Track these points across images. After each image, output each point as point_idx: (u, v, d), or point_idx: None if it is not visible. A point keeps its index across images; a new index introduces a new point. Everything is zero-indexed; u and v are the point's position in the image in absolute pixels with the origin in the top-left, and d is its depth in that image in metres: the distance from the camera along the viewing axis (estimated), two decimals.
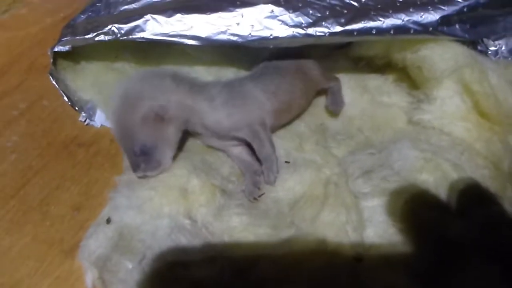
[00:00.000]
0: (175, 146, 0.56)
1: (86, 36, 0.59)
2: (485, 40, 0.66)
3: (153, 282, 0.47)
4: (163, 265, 0.48)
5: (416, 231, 0.50)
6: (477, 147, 0.57)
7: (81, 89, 0.68)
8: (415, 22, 0.57)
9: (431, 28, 0.58)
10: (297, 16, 0.56)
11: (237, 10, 0.57)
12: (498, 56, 0.67)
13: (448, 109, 0.59)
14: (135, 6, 0.62)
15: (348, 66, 0.72)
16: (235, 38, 0.57)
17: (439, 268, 0.47)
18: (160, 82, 0.55)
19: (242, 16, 0.56)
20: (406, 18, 0.57)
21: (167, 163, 0.55)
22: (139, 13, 0.58)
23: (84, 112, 0.67)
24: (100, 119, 0.68)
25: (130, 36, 0.57)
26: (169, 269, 0.48)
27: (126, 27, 0.57)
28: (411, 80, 0.66)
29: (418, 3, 0.58)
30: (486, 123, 0.58)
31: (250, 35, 0.57)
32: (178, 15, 0.57)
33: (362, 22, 0.56)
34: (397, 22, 0.57)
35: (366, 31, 0.56)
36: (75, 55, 0.66)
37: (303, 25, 0.56)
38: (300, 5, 0.57)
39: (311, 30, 0.56)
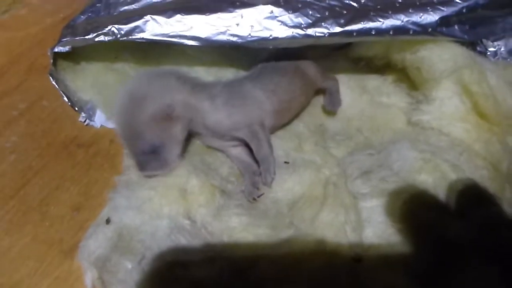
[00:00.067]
0: (182, 145, 0.56)
1: (86, 37, 0.59)
2: (484, 41, 0.66)
3: (153, 282, 0.47)
4: (162, 265, 0.48)
5: (415, 231, 0.50)
6: (476, 148, 0.57)
7: (81, 89, 0.68)
8: (414, 23, 0.57)
9: (430, 29, 0.58)
10: (296, 17, 0.56)
11: (237, 10, 0.57)
12: (497, 57, 0.67)
13: (447, 110, 0.59)
14: (135, 7, 0.62)
15: (347, 67, 0.72)
16: (234, 39, 0.57)
17: (438, 269, 0.47)
18: (165, 81, 0.55)
19: (242, 17, 0.56)
20: (406, 19, 0.57)
21: (174, 161, 0.55)
22: (139, 14, 0.58)
23: (84, 113, 0.67)
24: (99, 119, 0.68)
25: (130, 37, 0.57)
26: (169, 269, 0.48)
27: (126, 27, 0.57)
28: (410, 80, 0.66)
29: (418, 4, 0.58)
30: (485, 124, 0.58)
31: (249, 36, 0.57)
32: (178, 16, 0.57)
33: (362, 22, 0.56)
34: (397, 22, 0.57)
35: (366, 32, 0.56)
36: (75, 55, 0.66)
37: (302, 25, 0.56)
38: (300, 5, 0.57)
39: (310, 31, 0.56)
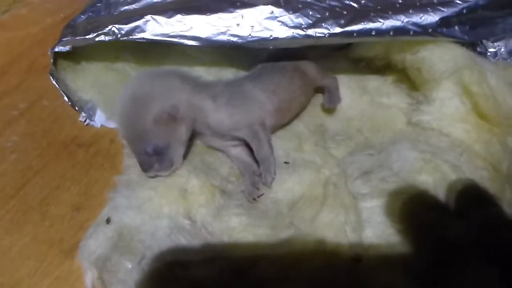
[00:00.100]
0: (185, 145, 0.56)
1: (87, 37, 0.59)
2: (484, 41, 0.66)
3: (153, 282, 0.47)
4: (162, 265, 0.48)
5: (415, 232, 0.50)
6: (476, 148, 0.57)
7: (81, 89, 0.68)
8: (414, 24, 0.57)
9: (430, 30, 0.58)
10: (297, 17, 0.56)
11: (237, 11, 0.57)
12: (497, 57, 0.67)
13: (447, 111, 0.59)
14: (135, 7, 0.62)
15: (347, 67, 0.72)
16: (235, 39, 0.57)
17: (438, 269, 0.47)
18: (168, 81, 0.55)
19: (242, 17, 0.56)
20: (406, 20, 0.57)
21: (179, 162, 0.56)
22: (139, 14, 0.58)
23: (84, 112, 0.67)
24: (100, 119, 0.68)
25: (130, 37, 0.57)
26: (169, 269, 0.48)
27: (126, 27, 0.57)
28: (411, 81, 0.66)
29: (418, 4, 0.58)
30: (485, 124, 0.58)
31: (250, 36, 0.57)
32: (178, 16, 0.57)
33: (362, 23, 0.56)
34: (397, 23, 0.57)
35: (366, 32, 0.56)
36: (75, 55, 0.66)
37: (302, 26, 0.56)
38: (300, 6, 0.57)
39: (310, 31, 0.56)
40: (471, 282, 0.45)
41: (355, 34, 0.56)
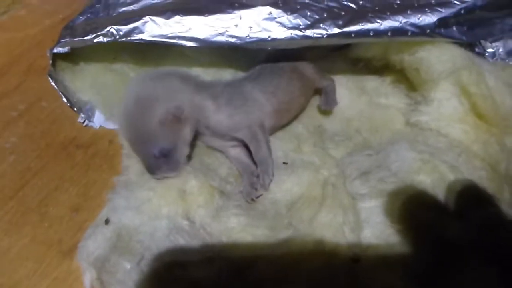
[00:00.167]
0: (189, 145, 0.56)
1: (85, 38, 0.59)
2: (482, 42, 0.66)
3: (152, 282, 0.47)
4: (161, 265, 0.48)
5: (413, 232, 0.50)
6: (475, 149, 0.57)
7: (80, 90, 0.68)
8: (412, 24, 0.57)
9: (428, 30, 0.58)
10: (295, 18, 0.56)
11: (235, 12, 0.57)
12: (495, 58, 0.67)
13: (446, 111, 0.59)
14: (133, 8, 0.62)
15: (346, 68, 0.72)
16: (233, 40, 0.57)
17: (437, 269, 0.47)
18: (169, 83, 0.55)
19: (240, 18, 0.57)
20: (404, 20, 0.57)
21: (184, 162, 0.56)
22: (137, 15, 0.58)
23: (83, 113, 0.67)
24: (98, 120, 0.68)
25: (129, 38, 0.58)
26: (168, 269, 0.48)
27: (124, 28, 0.58)
28: (409, 81, 0.66)
29: (416, 5, 0.58)
30: (484, 125, 0.58)
31: (248, 37, 0.57)
32: (177, 17, 0.57)
33: (360, 24, 0.56)
34: (395, 24, 0.57)
35: (364, 33, 0.56)
36: (74, 56, 0.66)
37: (301, 27, 0.56)
38: (298, 7, 0.57)
39: (309, 32, 0.56)
40: (470, 282, 0.45)
41: (353, 35, 0.56)
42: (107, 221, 0.53)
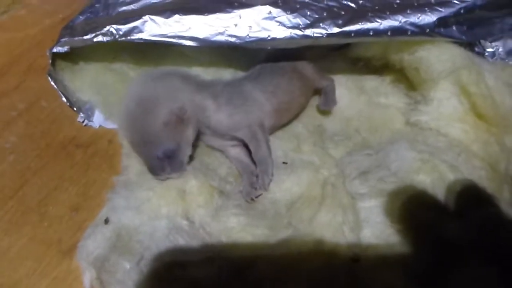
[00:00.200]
0: (191, 146, 0.56)
1: (85, 37, 0.59)
2: (482, 41, 0.66)
3: (151, 282, 0.47)
4: (161, 265, 0.48)
5: (413, 232, 0.50)
6: (474, 148, 0.57)
7: (79, 89, 0.68)
8: (412, 24, 0.57)
9: (428, 30, 0.58)
10: (294, 18, 0.56)
11: (235, 11, 0.57)
12: (495, 57, 0.67)
13: (445, 111, 0.59)
14: (133, 7, 0.62)
15: (345, 67, 0.72)
16: (233, 39, 0.57)
17: (437, 269, 0.47)
18: (171, 83, 0.55)
19: (240, 17, 0.57)
20: (403, 20, 0.57)
21: (187, 162, 0.56)
22: (137, 14, 0.58)
23: (83, 113, 0.67)
24: (98, 119, 0.68)
25: (129, 37, 0.57)
26: (167, 269, 0.48)
27: (124, 28, 0.57)
28: (409, 81, 0.66)
29: (415, 4, 0.58)
30: (483, 124, 0.58)
31: (248, 36, 0.57)
32: (176, 16, 0.57)
33: (360, 23, 0.56)
34: (394, 23, 0.57)
35: (364, 33, 0.56)
36: (73, 55, 0.66)
37: (300, 26, 0.56)
38: (298, 6, 0.57)
39: (308, 31, 0.56)
40: (470, 282, 0.45)
41: (353, 34, 0.56)
42: (106, 221, 0.53)
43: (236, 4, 0.57)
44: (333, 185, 0.55)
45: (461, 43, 0.62)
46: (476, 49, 0.66)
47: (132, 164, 0.59)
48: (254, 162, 0.59)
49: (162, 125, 0.52)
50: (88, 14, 0.64)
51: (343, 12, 0.57)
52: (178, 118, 0.53)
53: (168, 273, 0.48)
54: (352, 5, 0.58)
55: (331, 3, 0.58)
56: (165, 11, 0.57)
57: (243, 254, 0.50)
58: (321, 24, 0.56)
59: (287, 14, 0.56)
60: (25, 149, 0.64)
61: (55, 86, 0.65)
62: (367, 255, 0.49)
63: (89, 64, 0.69)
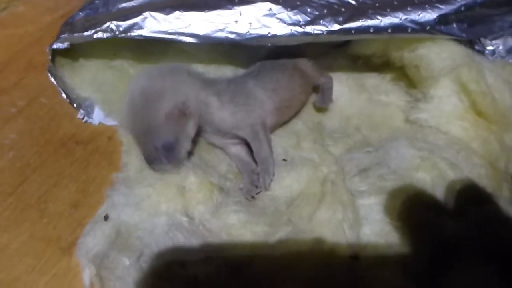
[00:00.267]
0: (191, 141, 0.56)
1: (85, 34, 0.59)
2: (482, 39, 0.66)
3: (151, 280, 0.47)
4: (160, 262, 0.48)
5: (412, 229, 0.50)
6: (474, 146, 0.57)
7: (79, 86, 0.68)
8: (412, 21, 0.57)
9: (428, 27, 0.57)
10: (295, 14, 0.56)
11: (235, 8, 0.57)
12: (495, 55, 0.67)
13: (445, 108, 0.59)
14: (133, 4, 0.62)
15: (346, 65, 0.72)
16: (233, 36, 0.57)
17: (436, 268, 0.47)
18: (178, 77, 0.55)
19: (240, 14, 0.56)
20: (404, 17, 0.57)
21: (184, 158, 0.56)
22: (137, 11, 0.58)
23: (82, 110, 0.67)
24: (98, 116, 0.68)
25: (129, 34, 0.57)
26: (166, 266, 0.48)
27: (124, 24, 0.57)
28: (409, 79, 0.66)
29: (416, 2, 0.58)
30: (483, 122, 0.58)
31: (248, 33, 0.57)
32: (177, 13, 0.57)
33: (360, 20, 0.56)
34: (395, 20, 0.57)
35: (364, 30, 0.56)
36: (73, 52, 0.66)
37: (301, 23, 0.56)
38: (298, 3, 0.57)
39: (309, 28, 0.56)
40: (470, 280, 0.45)
41: (353, 31, 0.56)
42: (106, 218, 0.53)
43: (236, 0, 0.57)
44: (333, 183, 0.55)
45: (461, 41, 0.61)
46: (476, 47, 0.66)
47: (132, 161, 0.59)
48: (254, 160, 0.59)
49: (164, 117, 0.52)
50: (88, 11, 0.64)
51: (343, 9, 0.57)
52: (180, 112, 0.53)
53: (167, 269, 0.48)
54: (353, 2, 0.58)
55: (331, 0, 0.57)
56: (165, 7, 0.57)
57: (242, 253, 0.50)
58: (321, 21, 0.56)
59: (287, 11, 0.56)
60: (24, 145, 0.64)
61: (55, 82, 0.65)
62: (366, 253, 0.49)
63: (89, 61, 0.69)
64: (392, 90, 0.69)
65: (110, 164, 0.62)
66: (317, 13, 0.56)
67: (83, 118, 0.67)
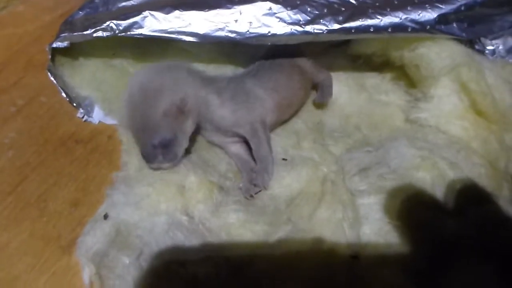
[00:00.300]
0: (189, 138, 0.56)
1: (84, 32, 0.59)
2: (482, 39, 0.66)
3: (150, 278, 0.47)
4: (160, 261, 0.48)
5: (412, 229, 0.50)
6: (474, 145, 0.57)
7: (79, 85, 0.68)
8: (412, 20, 0.57)
9: (428, 27, 0.58)
10: (295, 14, 0.56)
11: (235, 7, 0.57)
12: (495, 55, 0.67)
13: (445, 108, 0.59)
14: (133, 3, 0.62)
15: (346, 64, 0.72)
16: (233, 35, 0.57)
17: (435, 267, 0.47)
18: (177, 74, 0.55)
19: (240, 13, 0.57)
20: (404, 16, 0.57)
21: (182, 155, 0.56)
22: (137, 10, 0.58)
23: (82, 109, 0.67)
24: (98, 115, 0.68)
25: (128, 33, 0.57)
26: (166, 265, 0.48)
27: (124, 23, 0.57)
28: (409, 78, 0.66)
29: (416, 1, 0.58)
30: (483, 122, 0.58)
31: (248, 32, 0.57)
32: (177, 12, 0.57)
33: (360, 20, 0.56)
34: (395, 20, 0.57)
35: (364, 29, 0.56)
36: (73, 51, 0.66)
37: (301, 22, 0.56)
38: (298, 2, 0.57)
39: (309, 28, 0.56)
40: (469, 280, 0.45)
41: (353, 31, 0.56)
42: (106, 217, 0.53)
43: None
44: (333, 182, 0.55)
45: (461, 40, 0.62)
46: (477, 46, 0.67)
47: (132, 160, 0.58)
48: (254, 159, 0.59)
49: (162, 114, 0.52)
50: (88, 10, 0.64)
51: (343, 9, 0.57)
52: (178, 109, 0.53)
53: (167, 268, 0.48)
54: (353, 1, 0.58)
55: None
56: (165, 6, 0.57)
57: (242, 252, 0.50)
58: (321, 20, 0.56)
59: (287, 10, 0.56)
60: (24, 144, 0.64)
61: (54, 81, 0.65)
62: (366, 252, 0.49)
63: (89, 60, 0.69)
64: (392, 89, 0.69)
65: (110, 163, 0.62)
66: (317, 12, 0.56)
67: (82, 117, 0.67)
